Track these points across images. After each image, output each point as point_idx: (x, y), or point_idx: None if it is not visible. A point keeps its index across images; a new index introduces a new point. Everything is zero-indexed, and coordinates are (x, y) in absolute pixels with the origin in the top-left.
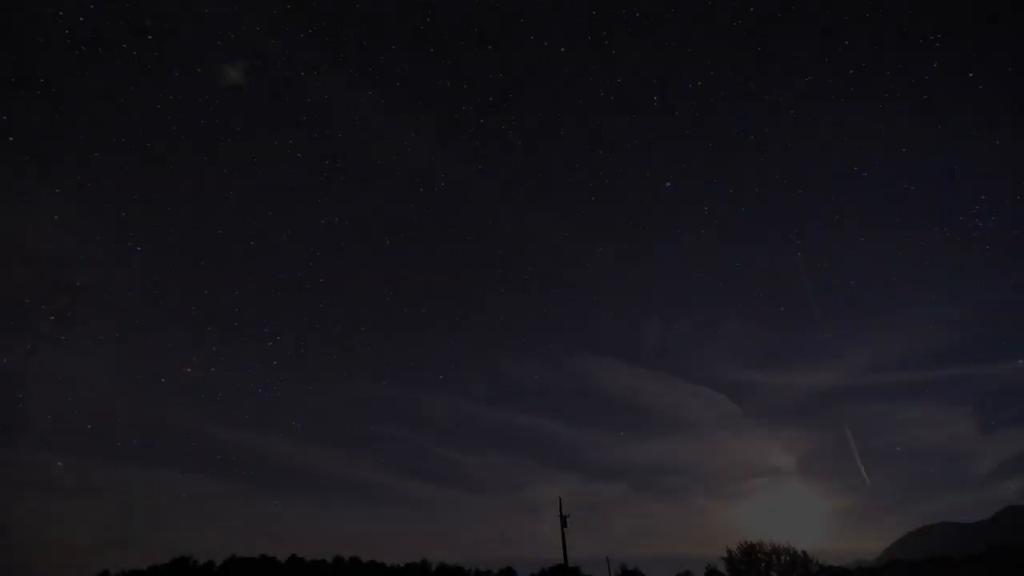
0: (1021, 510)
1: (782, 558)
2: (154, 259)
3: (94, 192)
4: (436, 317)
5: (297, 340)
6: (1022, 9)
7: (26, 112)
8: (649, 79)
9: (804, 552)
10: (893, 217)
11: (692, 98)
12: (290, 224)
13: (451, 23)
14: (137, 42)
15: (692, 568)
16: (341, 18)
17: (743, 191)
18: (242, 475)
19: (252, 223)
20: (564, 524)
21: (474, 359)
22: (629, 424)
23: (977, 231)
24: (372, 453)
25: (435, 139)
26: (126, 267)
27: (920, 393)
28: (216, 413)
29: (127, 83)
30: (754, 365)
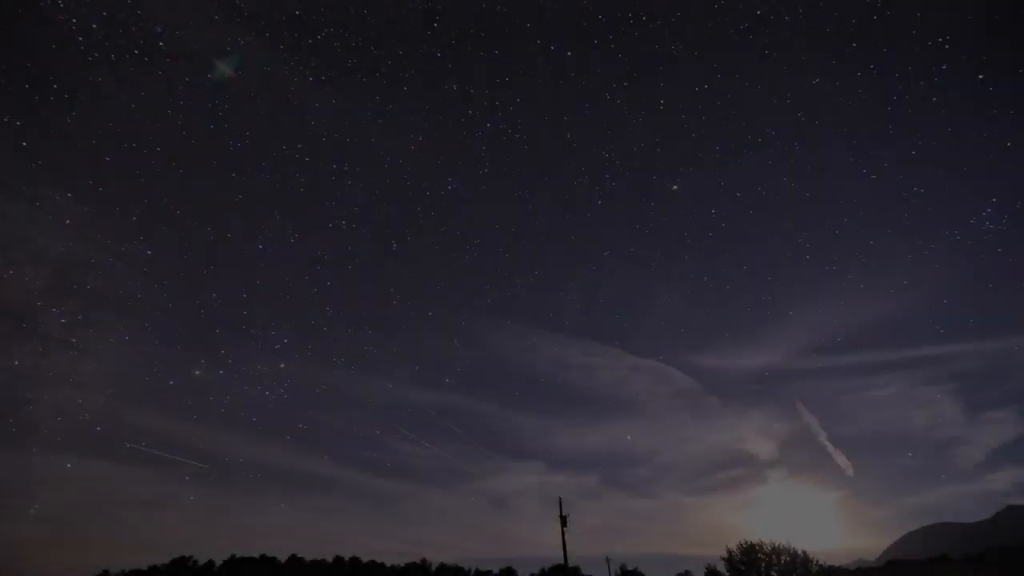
0: (1021, 510)
1: (782, 558)
2: (164, 262)
3: (105, 196)
4: (353, 298)
5: (301, 340)
6: None
7: (39, 117)
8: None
9: (804, 552)
10: (898, 215)
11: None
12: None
13: (457, 28)
14: (148, 49)
15: (691, 568)
16: (348, 26)
17: (747, 191)
18: (244, 477)
19: (261, 226)
20: (564, 524)
21: (398, 340)
22: (575, 403)
23: (989, 234)
24: (309, 444)
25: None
26: (136, 270)
27: (894, 373)
28: (223, 416)
29: (138, 89)
30: (700, 344)
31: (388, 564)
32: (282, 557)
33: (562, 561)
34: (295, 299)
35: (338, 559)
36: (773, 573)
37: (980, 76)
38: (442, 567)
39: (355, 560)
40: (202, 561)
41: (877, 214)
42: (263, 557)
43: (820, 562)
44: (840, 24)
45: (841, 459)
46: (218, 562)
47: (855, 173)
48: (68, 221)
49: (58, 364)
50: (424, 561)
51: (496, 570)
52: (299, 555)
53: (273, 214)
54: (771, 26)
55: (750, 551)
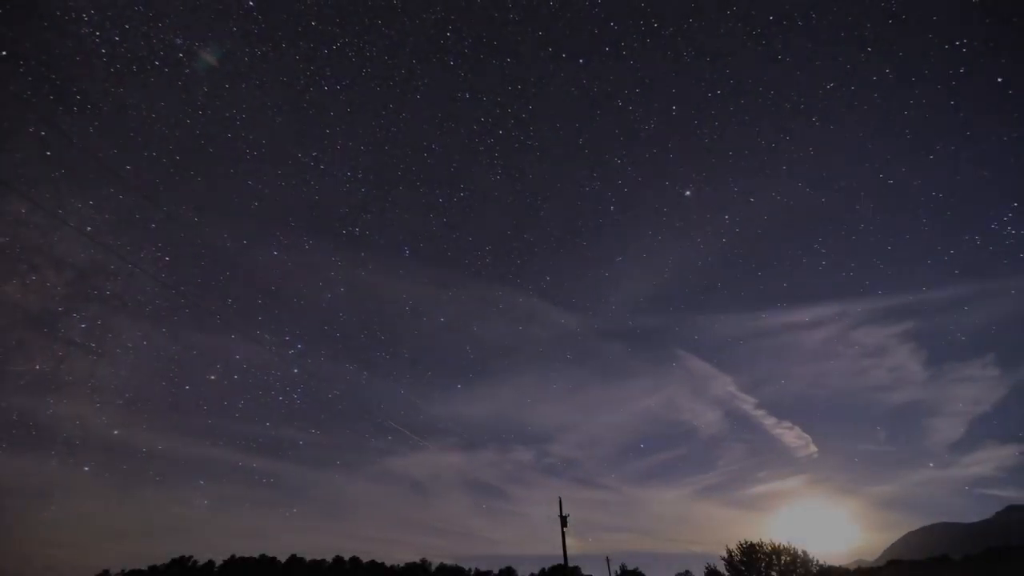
0: (1021, 510)
1: (782, 558)
2: (181, 269)
3: (125, 204)
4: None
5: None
6: None
7: (63, 128)
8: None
9: (804, 552)
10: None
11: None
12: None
13: (469, 37)
14: (168, 60)
15: (692, 567)
16: (362, 36)
17: (762, 199)
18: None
19: (277, 233)
20: (564, 524)
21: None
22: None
23: (1008, 235)
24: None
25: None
26: (154, 276)
27: (823, 309)
28: (236, 419)
29: (158, 99)
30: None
31: (388, 564)
32: (282, 557)
33: (491, 560)
34: (306, 303)
35: (338, 559)
36: (773, 573)
37: (999, 79)
38: (442, 567)
39: (355, 560)
40: (202, 561)
41: (894, 219)
42: (263, 557)
43: (820, 562)
44: (855, 28)
45: (791, 434)
46: (218, 562)
47: (871, 178)
48: (89, 228)
49: (77, 368)
50: (424, 561)
51: (496, 570)
52: (299, 555)
53: (287, 221)
54: (784, 31)
55: (750, 551)
